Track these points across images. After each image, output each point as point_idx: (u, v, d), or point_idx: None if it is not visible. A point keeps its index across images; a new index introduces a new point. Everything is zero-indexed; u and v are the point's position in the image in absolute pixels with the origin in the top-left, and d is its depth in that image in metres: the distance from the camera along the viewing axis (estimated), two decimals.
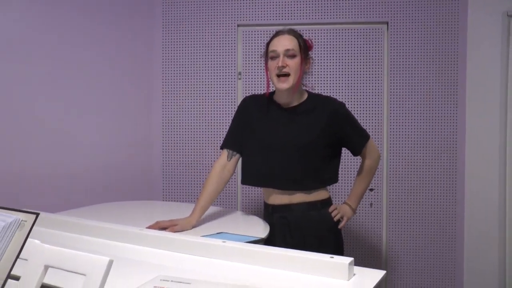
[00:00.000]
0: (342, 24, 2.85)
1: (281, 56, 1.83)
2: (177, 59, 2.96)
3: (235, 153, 1.99)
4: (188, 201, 2.93)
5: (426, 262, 2.84)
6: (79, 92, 2.59)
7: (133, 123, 2.91)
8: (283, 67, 1.82)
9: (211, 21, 2.92)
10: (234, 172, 2.01)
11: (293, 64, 1.83)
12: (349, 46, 2.85)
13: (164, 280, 1.15)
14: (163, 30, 2.96)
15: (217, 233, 1.72)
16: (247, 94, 2.84)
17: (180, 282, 1.13)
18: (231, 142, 2.01)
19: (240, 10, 2.90)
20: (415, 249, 2.84)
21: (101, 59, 2.71)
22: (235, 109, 2.87)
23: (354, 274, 1.17)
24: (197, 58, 2.94)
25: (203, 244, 1.32)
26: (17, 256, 0.87)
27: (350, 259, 1.16)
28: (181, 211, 1.96)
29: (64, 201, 2.41)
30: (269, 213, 1.96)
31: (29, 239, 0.89)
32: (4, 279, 0.86)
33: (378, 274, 1.17)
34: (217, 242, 1.33)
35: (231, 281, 1.11)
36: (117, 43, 2.80)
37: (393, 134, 2.84)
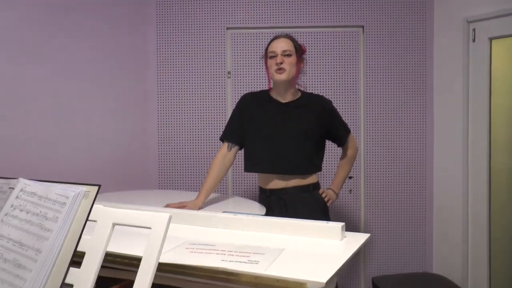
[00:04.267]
0: (321, 28, 3.13)
1: (279, 55, 2.09)
2: (171, 59, 3.17)
3: (234, 144, 2.24)
4: (183, 189, 3.15)
5: (399, 239, 3.15)
6: (78, 90, 2.76)
7: (130, 119, 3.10)
8: (281, 63, 2.09)
9: (202, 24, 3.15)
10: (234, 161, 2.26)
11: (288, 61, 2.11)
12: (329, 48, 3.13)
13: (192, 244, 1.39)
14: (157, 34, 3.16)
15: (223, 213, 1.95)
16: (236, 90, 3.11)
17: (206, 244, 1.38)
18: (231, 135, 2.25)
19: (229, 15, 3.14)
20: (390, 229, 3.15)
21: (102, 59, 2.88)
22: (226, 104, 3.13)
23: (345, 236, 1.44)
24: (189, 58, 3.16)
25: (219, 217, 1.57)
26: (86, 219, 1.10)
27: (342, 223, 1.43)
28: (181, 197, 2.18)
29: None
30: (266, 196, 2.22)
31: (95, 205, 1.11)
32: (77, 238, 1.08)
33: (364, 236, 1.45)
34: (230, 215, 1.57)
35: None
36: (116, 46, 2.98)
37: (369, 128, 3.13)
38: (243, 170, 2.30)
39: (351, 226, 3.13)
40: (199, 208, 2.06)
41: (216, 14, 3.14)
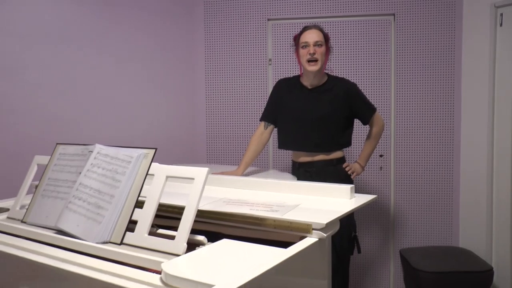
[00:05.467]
0: (355, 17, 3.35)
1: (311, 45, 2.37)
2: (217, 48, 3.52)
3: (270, 124, 2.57)
4: (228, 164, 3.52)
5: (426, 215, 3.36)
6: (137, 73, 3.19)
7: (181, 103, 3.50)
8: (314, 53, 2.36)
9: (246, 16, 3.47)
10: (269, 138, 2.59)
11: (320, 52, 2.38)
12: (362, 36, 3.35)
13: (228, 199, 1.73)
14: (205, 25, 3.52)
15: None
16: (276, 77, 3.42)
17: (239, 199, 1.71)
18: (267, 116, 2.60)
19: (269, 7, 3.43)
20: (418, 204, 3.36)
21: (158, 48, 3.31)
22: (267, 88, 3.45)
23: (354, 197, 1.72)
24: (234, 47, 3.50)
25: (253, 181, 1.89)
26: (147, 173, 1.46)
27: (352, 185, 1.71)
28: (226, 170, 2.53)
29: None
30: (296, 168, 2.54)
31: (152, 163, 1.47)
32: (140, 186, 1.44)
33: (370, 197, 1.73)
34: (262, 179, 1.90)
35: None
36: (170, 36, 3.39)
37: (399, 110, 3.34)
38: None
39: (382, 202, 3.38)
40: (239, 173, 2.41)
41: (258, 7, 3.45)
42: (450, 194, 3.32)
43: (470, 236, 3.24)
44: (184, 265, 1.17)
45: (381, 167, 3.37)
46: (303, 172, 2.49)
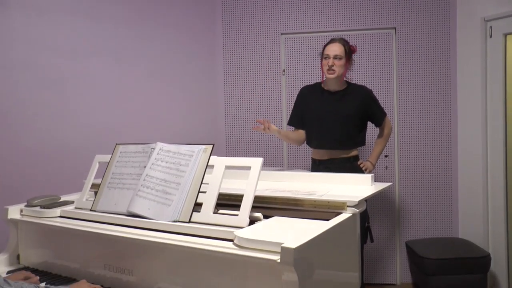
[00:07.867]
0: (360, 30, 3.69)
1: (331, 58, 2.70)
2: (235, 59, 3.84)
3: (298, 129, 2.95)
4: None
5: (429, 209, 3.66)
6: (162, 87, 3.50)
7: (202, 112, 3.81)
8: (332, 65, 2.70)
9: (261, 30, 3.80)
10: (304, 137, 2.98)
11: (338, 64, 2.72)
12: (367, 47, 3.69)
13: (272, 189, 2.02)
14: (223, 39, 3.84)
15: None
16: (289, 85, 3.75)
17: (280, 189, 2.00)
18: (295, 122, 2.97)
19: (282, 22, 3.77)
20: (421, 200, 3.67)
21: (182, 61, 3.62)
22: (281, 96, 3.78)
23: (374, 184, 2.03)
24: (250, 59, 3.82)
25: (287, 174, 2.19)
26: (207, 164, 1.75)
27: (372, 175, 2.03)
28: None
29: None
30: (316, 165, 2.85)
31: (212, 156, 1.76)
32: (202, 175, 1.73)
33: (386, 184, 2.04)
34: (295, 172, 2.20)
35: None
36: (193, 50, 3.72)
37: (402, 115, 3.67)
38: (296, 147, 2.94)
39: (388, 198, 3.69)
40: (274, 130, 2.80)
41: (272, 23, 3.79)
42: (449, 191, 3.64)
43: (469, 228, 3.55)
44: (251, 233, 1.46)
45: (386, 167, 3.68)
46: (323, 169, 2.80)
